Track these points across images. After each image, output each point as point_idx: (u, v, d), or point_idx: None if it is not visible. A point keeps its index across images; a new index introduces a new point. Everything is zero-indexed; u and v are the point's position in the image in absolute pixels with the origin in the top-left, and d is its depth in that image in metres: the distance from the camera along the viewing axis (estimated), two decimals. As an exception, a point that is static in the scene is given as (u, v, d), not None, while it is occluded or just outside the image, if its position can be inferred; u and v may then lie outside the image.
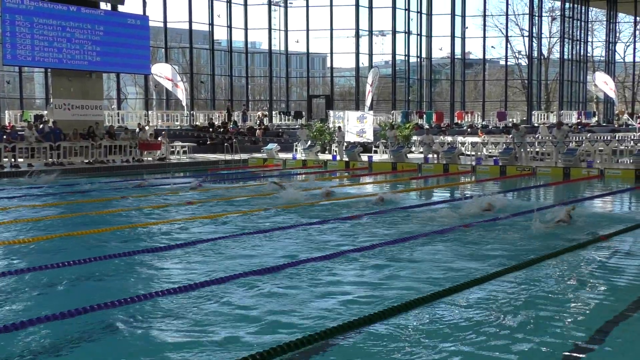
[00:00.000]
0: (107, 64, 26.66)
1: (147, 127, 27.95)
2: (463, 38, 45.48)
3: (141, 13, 32.93)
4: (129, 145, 25.39)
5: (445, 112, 44.67)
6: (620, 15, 52.82)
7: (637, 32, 53.83)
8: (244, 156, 27.56)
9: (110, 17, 26.82)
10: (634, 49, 54.69)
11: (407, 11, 43.05)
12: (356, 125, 31.14)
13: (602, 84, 44.55)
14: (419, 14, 43.86)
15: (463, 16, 45.00)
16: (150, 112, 34.88)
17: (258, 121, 36.23)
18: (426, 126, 38.07)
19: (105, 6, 27.37)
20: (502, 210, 12.07)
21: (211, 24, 38.69)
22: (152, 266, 8.17)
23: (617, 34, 53.54)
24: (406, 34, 43.41)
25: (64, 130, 24.41)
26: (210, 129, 33.72)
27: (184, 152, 28.61)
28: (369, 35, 42.25)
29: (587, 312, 6.20)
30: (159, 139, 27.09)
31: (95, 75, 26.87)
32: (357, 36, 41.81)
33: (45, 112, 30.13)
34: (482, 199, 12.75)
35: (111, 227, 10.72)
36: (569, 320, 5.90)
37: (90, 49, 25.60)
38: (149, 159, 25.94)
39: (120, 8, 28.11)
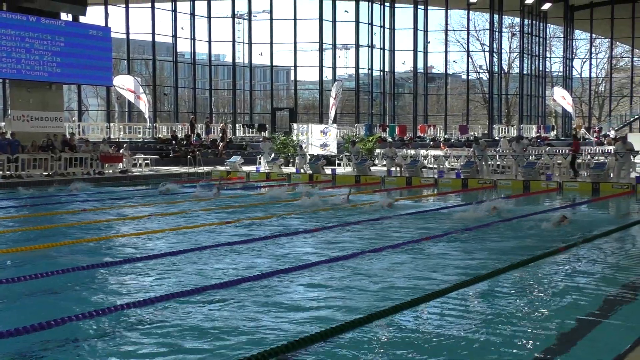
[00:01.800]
0: (68, 75, 26.31)
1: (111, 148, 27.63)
2: (425, 52, 46.07)
3: (103, 24, 32.61)
4: (89, 157, 25.04)
5: (408, 125, 45.10)
6: (577, 32, 54.22)
7: (593, 49, 55.30)
8: (207, 169, 27.41)
9: (71, 28, 26.50)
10: (590, 64, 56.19)
11: (370, 25, 43.45)
12: (320, 138, 31.21)
13: (560, 98, 45.52)
14: (382, 29, 44.32)
15: (425, 31, 45.60)
16: (112, 124, 34.47)
17: (220, 133, 36.08)
18: (389, 139, 38.32)
19: (66, 17, 27.04)
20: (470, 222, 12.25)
21: (174, 36, 38.51)
22: (107, 280, 8.06)
23: (574, 50, 54.94)
24: (369, 48, 43.81)
25: (23, 142, 23.97)
26: (173, 142, 33.47)
27: (147, 165, 28.32)
28: (332, 49, 42.53)
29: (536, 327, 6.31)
30: (121, 151, 26.79)
31: (55, 87, 26.49)
32: (321, 50, 42.03)
33: (3, 123, 29.54)
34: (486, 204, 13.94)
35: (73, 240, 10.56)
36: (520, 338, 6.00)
37: (50, 60, 25.24)
38: (110, 171, 25.61)
39: (82, 19, 27.83)
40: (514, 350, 5.47)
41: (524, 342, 5.69)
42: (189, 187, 20.65)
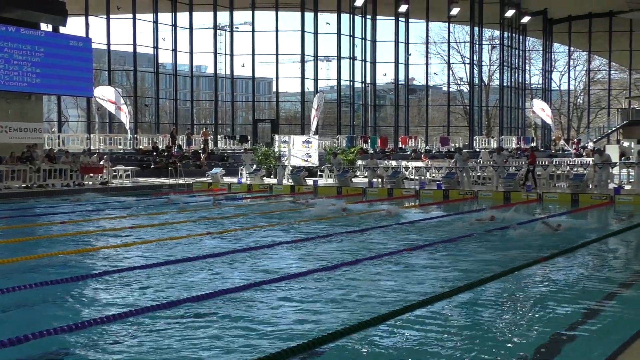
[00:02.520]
0: (48, 85, 26.12)
1: (94, 155, 27.44)
2: (407, 64, 46.36)
3: (84, 35, 32.44)
4: (69, 168, 24.81)
5: (390, 136, 45.30)
6: (556, 45, 54.95)
7: (571, 62, 56.01)
8: (189, 180, 27.27)
9: (51, 39, 26.34)
10: (569, 77, 56.89)
11: (351, 37, 43.66)
12: (301, 149, 31.22)
13: (540, 110, 45.98)
14: (363, 41, 44.55)
15: (406, 43, 45.92)
16: (92, 136, 34.22)
17: (202, 144, 36.00)
18: (371, 151, 38.48)
19: (46, 27, 26.85)
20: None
21: (156, 47, 38.40)
22: (84, 294, 7.98)
23: (553, 63, 55.63)
24: (351, 60, 43.99)
25: (1, 154, 23.70)
26: (154, 153, 33.29)
27: (127, 176, 28.13)
28: (314, 61, 42.66)
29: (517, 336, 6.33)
30: (101, 162, 26.60)
31: (34, 97, 26.28)
32: (303, 61, 42.14)
33: (-18, 134, 29.24)
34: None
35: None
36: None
37: (30, 70, 25.04)
38: (89, 183, 25.40)
39: (62, 30, 27.67)
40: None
41: (503, 353, 5.71)
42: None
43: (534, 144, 46.67)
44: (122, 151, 33.57)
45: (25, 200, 20.66)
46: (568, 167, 27.41)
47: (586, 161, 31.26)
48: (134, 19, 36.40)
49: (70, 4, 29.04)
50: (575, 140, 47.16)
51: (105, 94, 32.87)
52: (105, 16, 35.21)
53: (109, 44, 35.67)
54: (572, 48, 54.81)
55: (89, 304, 7.48)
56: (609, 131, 52.18)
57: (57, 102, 36.51)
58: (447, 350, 5.72)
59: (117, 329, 6.31)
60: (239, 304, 7.24)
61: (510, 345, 5.91)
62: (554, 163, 30.22)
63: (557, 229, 12.88)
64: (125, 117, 33.26)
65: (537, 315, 6.89)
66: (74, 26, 32.53)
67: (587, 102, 56.23)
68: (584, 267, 9.60)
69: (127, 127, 33.90)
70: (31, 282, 8.07)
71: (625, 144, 42.90)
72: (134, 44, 36.71)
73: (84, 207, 18.45)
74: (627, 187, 22.98)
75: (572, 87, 58.18)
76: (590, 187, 22.04)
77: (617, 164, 24.76)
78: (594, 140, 50.49)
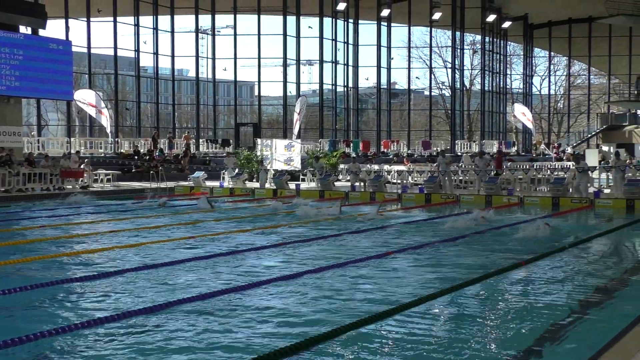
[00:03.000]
0: (27, 89, 25.84)
1: (72, 155, 27.18)
2: (389, 68, 46.52)
3: (64, 38, 32.17)
4: (49, 172, 24.55)
5: (372, 140, 45.37)
6: (536, 50, 55.45)
7: (552, 67, 56.58)
8: (170, 184, 27.12)
9: (31, 41, 26.07)
10: (549, 82, 57.48)
11: (334, 41, 43.71)
12: (284, 153, 31.19)
13: (521, 114, 46.32)
14: (345, 44, 44.62)
15: (389, 47, 46.07)
16: (72, 139, 33.91)
17: (184, 147, 35.81)
18: (353, 154, 38.48)
19: (25, 30, 26.60)
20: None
21: (137, 50, 38.19)
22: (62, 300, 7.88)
23: (534, 68, 56.09)
24: (333, 64, 44.03)
25: (-21, 157, 23.42)
26: (136, 157, 33.07)
27: (108, 180, 27.89)
28: (296, 64, 42.64)
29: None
30: (82, 166, 26.36)
31: (13, 101, 25.98)
32: (285, 65, 42.12)
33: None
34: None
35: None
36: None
37: (9, 73, 24.74)
38: (69, 187, 25.15)
39: (42, 32, 27.40)
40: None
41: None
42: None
43: (497, 148, 46.99)
44: (103, 155, 33.30)
45: (7, 205, 20.39)
46: (549, 172, 27.65)
47: (566, 165, 31.55)
48: (115, 22, 36.17)
49: (50, 6, 28.81)
50: (555, 145, 47.57)
51: (85, 98, 32.60)
52: (85, 19, 34.95)
53: (89, 47, 35.40)
54: (552, 53, 55.35)
55: (69, 309, 7.40)
56: (589, 135, 52.74)
57: (37, 105, 36.18)
58: (432, 352, 5.71)
59: (99, 334, 6.24)
60: (223, 306, 7.19)
61: (495, 346, 5.92)
62: (535, 167, 30.49)
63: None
64: (106, 120, 33.01)
65: (519, 318, 6.92)
66: (54, 29, 32.26)
67: (567, 107, 56.77)
68: (564, 270, 9.67)
69: (108, 130, 33.65)
70: (10, 287, 7.97)
71: (605, 148, 43.44)
72: (115, 47, 36.46)
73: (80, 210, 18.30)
74: (607, 190, 23.20)
75: (552, 92, 58.80)
76: (571, 191, 22.21)
77: (597, 168, 24.99)
78: (574, 144, 51.03)
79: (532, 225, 13.51)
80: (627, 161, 28.96)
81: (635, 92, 48.62)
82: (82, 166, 26.35)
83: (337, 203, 18.88)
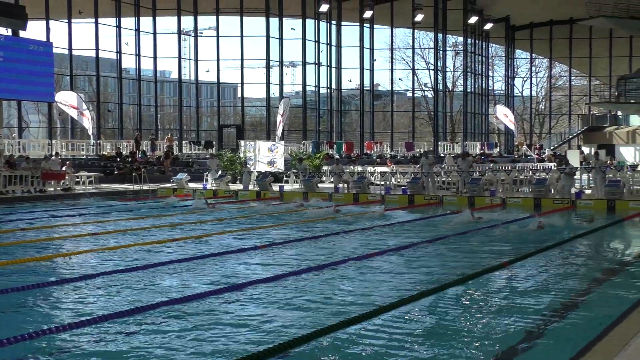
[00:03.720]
0: (7, 90, 25.60)
1: (53, 157, 26.93)
2: (372, 70, 46.63)
3: (45, 39, 31.91)
4: (30, 175, 24.33)
5: (355, 142, 45.43)
6: (518, 52, 55.82)
7: (533, 68, 57.02)
8: (153, 186, 26.95)
9: (11, 43, 25.85)
10: (531, 83, 57.92)
11: (317, 43, 43.74)
12: (267, 155, 31.14)
13: (503, 116, 46.61)
14: (328, 46, 44.66)
15: (371, 49, 46.18)
16: (54, 141, 33.63)
17: (166, 148, 35.62)
18: (336, 156, 38.47)
19: (5, 31, 26.36)
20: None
21: (119, 52, 37.96)
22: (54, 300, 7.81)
23: (515, 69, 56.47)
24: (316, 66, 44.05)
25: (-41, 160, 23.15)
26: (118, 159, 32.86)
27: (90, 183, 27.68)
28: (279, 66, 42.62)
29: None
30: (63, 168, 26.14)
31: (-6, 103, 25.74)
32: (268, 67, 42.08)
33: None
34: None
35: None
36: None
37: (-11, 75, 24.51)
38: (51, 189, 24.94)
39: (22, 34, 27.16)
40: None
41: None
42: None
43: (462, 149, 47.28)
44: (84, 157, 33.07)
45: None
46: (531, 173, 27.85)
47: (548, 166, 31.79)
48: (96, 23, 35.95)
49: (31, 8, 28.54)
50: (537, 146, 47.93)
51: (67, 99, 32.36)
52: (66, 20, 34.70)
53: (70, 49, 35.15)
54: (533, 55, 55.78)
55: (54, 311, 7.38)
56: (570, 137, 53.20)
57: (18, 107, 35.82)
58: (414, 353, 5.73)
59: (85, 335, 6.20)
60: (210, 308, 7.18)
61: (477, 346, 5.95)
62: (517, 168, 30.70)
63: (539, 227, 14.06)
64: (88, 122, 32.77)
65: (503, 319, 6.96)
66: (34, 30, 31.93)
67: (549, 108, 57.26)
68: (546, 271, 9.75)
69: (90, 132, 33.42)
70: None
71: (586, 149, 43.85)
72: (97, 49, 36.24)
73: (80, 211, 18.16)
74: (588, 191, 23.40)
75: (534, 94, 59.27)
76: (553, 191, 22.39)
77: (578, 169, 25.20)
78: (555, 145, 51.47)
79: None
80: (608, 162, 29.27)
81: (616, 93, 49.10)
82: (63, 168, 26.12)
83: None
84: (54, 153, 29.48)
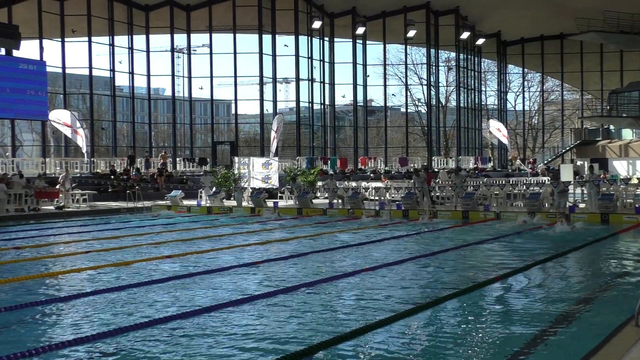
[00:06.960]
0: (1, 109, 25.60)
1: (41, 179, 26.85)
2: (365, 86, 46.82)
3: (38, 58, 31.98)
4: (24, 193, 24.27)
5: (349, 157, 45.55)
6: (510, 67, 56.19)
7: (526, 83, 57.38)
8: (147, 203, 26.93)
9: (4, 62, 25.96)
10: (523, 98, 58.25)
11: (310, 59, 43.93)
12: (261, 171, 31.17)
13: (496, 130, 46.81)
14: (321, 62, 44.86)
15: (364, 65, 46.41)
16: (48, 160, 33.59)
17: (160, 165, 35.58)
18: (331, 172, 38.55)
19: (-1, 51, 26.43)
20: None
21: (112, 70, 38.06)
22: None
23: (508, 84, 56.83)
24: (309, 82, 44.22)
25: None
26: (112, 176, 32.82)
27: (84, 200, 27.61)
28: (273, 83, 42.77)
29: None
30: (57, 186, 26.09)
31: (-13, 122, 25.71)
32: (261, 83, 42.22)
33: None
34: None
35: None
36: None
37: (-18, 94, 24.52)
38: (44, 207, 24.86)
39: (16, 53, 27.24)
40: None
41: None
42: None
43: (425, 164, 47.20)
44: (78, 175, 33.00)
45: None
46: (524, 187, 27.92)
47: (542, 180, 31.87)
48: (90, 42, 36.09)
49: (24, 27, 28.64)
50: (531, 160, 48.10)
51: (60, 118, 32.38)
52: (60, 39, 34.81)
53: (64, 67, 35.24)
54: (525, 69, 56.14)
55: (49, 328, 7.34)
56: (563, 151, 53.43)
57: (11, 126, 35.82)
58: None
59: (82, 353, 6.16)
60: (208, 324, 7.15)
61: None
62: (510, 182, 30.78)
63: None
64: (81, 140, 32.77)
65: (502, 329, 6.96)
66: (28, 49, 32.04)
67: (542, 123, 57.55)
68: (542, 284, 9.76)
69: (84, 150, 33.40)
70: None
71: (579, 162, 44.03)
72: (90, 67, 36.35)
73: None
74: (582, 205, 23.46)
75: (526, 108, 59.58)
76: (546, 205, 22.44)
77: (571, 183, 25.27)
78: (549, 159, 51.66)
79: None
80: (601, 175, 29.36)
81: (608, 107, 49.42)
82: (57, 186, 26.06)
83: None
84: (46, 175, 29.40)
